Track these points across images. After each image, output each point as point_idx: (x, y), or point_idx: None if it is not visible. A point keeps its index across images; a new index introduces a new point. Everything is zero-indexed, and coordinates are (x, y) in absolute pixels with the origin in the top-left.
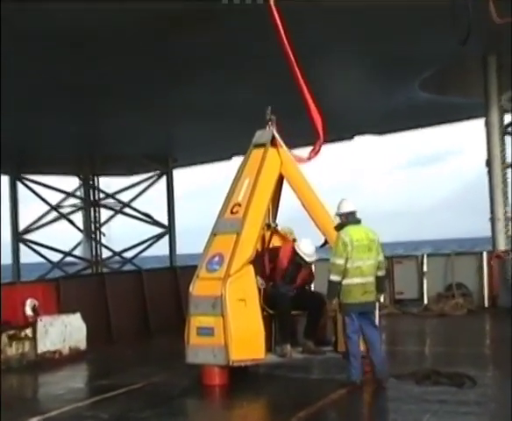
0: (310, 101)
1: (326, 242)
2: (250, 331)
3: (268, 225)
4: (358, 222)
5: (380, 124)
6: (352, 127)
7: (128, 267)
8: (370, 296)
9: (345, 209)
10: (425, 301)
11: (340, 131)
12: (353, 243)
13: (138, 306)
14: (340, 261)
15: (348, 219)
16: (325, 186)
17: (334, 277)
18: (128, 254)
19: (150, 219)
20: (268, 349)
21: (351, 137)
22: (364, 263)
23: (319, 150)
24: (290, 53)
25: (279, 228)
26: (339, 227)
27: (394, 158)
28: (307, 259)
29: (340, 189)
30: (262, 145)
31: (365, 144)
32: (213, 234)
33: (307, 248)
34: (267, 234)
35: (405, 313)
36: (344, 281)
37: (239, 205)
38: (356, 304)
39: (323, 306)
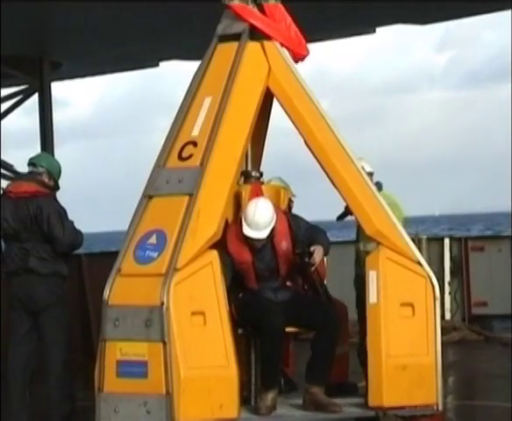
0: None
1: (348, 212)
2: (212, 368)
3: (247, 175)
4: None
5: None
6: (373, 11)
7: None
8: None
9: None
10: None
11: (355, 18)
12: None
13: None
14: None
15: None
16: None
17: None
18: None
19: (10, 173)
20: (245, 400)
21: (371, 29)
22: None
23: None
24: None
25: (264, 180)
26: None
27: (439, 69)
28: (246, 231)
29: (352, 119)
30: (234, 37)
31: (394, 39)
32: (146, 196)
33: (250, 212)
34: (245, 191)
35: (491, 340)
36: None
37: (194, 145)
38: None
39: (344, 324)
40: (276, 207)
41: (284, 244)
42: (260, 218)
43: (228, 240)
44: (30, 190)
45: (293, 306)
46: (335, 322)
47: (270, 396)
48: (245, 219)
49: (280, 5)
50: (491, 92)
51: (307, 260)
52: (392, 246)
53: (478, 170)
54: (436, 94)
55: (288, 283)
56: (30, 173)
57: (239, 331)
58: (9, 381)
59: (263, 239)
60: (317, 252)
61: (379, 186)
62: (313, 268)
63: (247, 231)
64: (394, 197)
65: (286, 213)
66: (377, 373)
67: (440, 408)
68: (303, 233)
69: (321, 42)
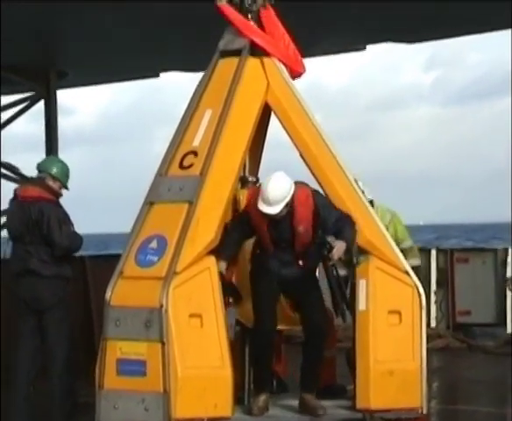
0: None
1: None
2: (208, 368)
3: (244, 180)
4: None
5: (411, 25)
6: (364, 29)
7: None
8: None
9: None
10: (509, 328)
11: (346, 35)
12: None
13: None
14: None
15: None
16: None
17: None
18: None
19: (15, 175)
20: (240, 400)
21: (362, 46)
22: None
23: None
24: None
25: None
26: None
27: (426, 87)
28: (258, 204)
29: (343, 134)
30: (235, 53)
31: (383, 57)
32: (148, 203)
33: (263, 186)
34: (242, 195)
35: (473, 348)
36: None
37: (195, 154)
38: None
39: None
40: (305, 192)
41: (301, 228)
42: (270, 194)
43: (250, 204)
44: (34, 195)
45: (293, 285)
46: (324, 330)
47: (262, 398)
48: (260, 192)
49: (280, 24)
50: (475, 110)
51: (325, 253)
52: (381, 255)
53: (462, 184)
54: (424, 110)
55: (301, 262)
56: (38, 177)
57: (236, 328)
58: (13, 382)
59: (275, 214)
60: (338, 248)
61: (370, 203)
62: (331, 263)
63: (260, 204)
64: (393, 210)
65: (315, 201)
66: (365, 377)
67: (424, 411)
68: (333, 222)
69: (312, 58)
